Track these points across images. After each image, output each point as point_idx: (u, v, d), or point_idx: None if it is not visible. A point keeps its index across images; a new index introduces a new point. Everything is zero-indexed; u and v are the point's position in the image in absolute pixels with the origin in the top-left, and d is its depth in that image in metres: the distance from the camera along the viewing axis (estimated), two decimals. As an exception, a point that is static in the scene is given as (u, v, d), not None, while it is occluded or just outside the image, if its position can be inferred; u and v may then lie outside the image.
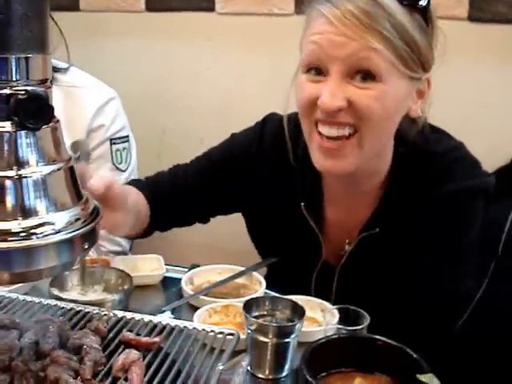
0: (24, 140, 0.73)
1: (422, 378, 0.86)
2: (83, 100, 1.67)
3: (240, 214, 1.51)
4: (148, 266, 1.36)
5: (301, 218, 1.32)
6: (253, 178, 1.39)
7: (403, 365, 0.90)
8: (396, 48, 1.09)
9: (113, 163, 1.69)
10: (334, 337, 0.98)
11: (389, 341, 0.94)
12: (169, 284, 1.34)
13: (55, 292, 1.13)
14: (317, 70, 1.14)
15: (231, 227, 1.84)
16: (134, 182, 1.45)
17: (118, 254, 1.65)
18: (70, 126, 1.44)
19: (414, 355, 0.90)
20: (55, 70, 1.64)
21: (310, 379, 0.84)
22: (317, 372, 0.88)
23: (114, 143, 1.68)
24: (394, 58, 1.09)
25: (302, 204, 1.30)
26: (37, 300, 1.08)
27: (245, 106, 1.98)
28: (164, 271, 1.34)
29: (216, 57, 2.15)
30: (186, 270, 1.36)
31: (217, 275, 1.32)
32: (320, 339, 0.94)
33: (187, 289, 1.25)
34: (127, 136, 1.74)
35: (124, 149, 1.70)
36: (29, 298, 1.09)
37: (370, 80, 1.10)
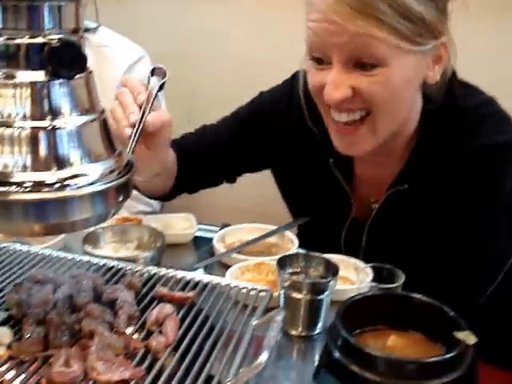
0: (58, 90, 0.72)
1: (459, 335, 0.84)
2: (113, 59, 1.66)
3: (269, 177, 1.50)
4: (180, 225, 1.36)
5: (330, 175, 1.31)
6: (282, 134, 1.38)
7: (439, 322, 0.89)
8: (396, 29, 1.03)
9: None
10: (368, 294, 0.97)
11: (425, 298, 0.92)
12: (200, 243, 1.34)
13: (88, 249, 1.13)
14: (318, 59, 1.11)
15: (260, 190, 1.83)
16: None
17: (148, 214, 1.65)
18: (100, 85, 1.43)
19: (451, 313, 0.89)
20: (84, 29, 1.63)
21: (345, 335, 0.84)
22: (351, 329, 0.88)
23: (145, 103, 1.68)
24: (395, 39, 1.04)
25: (331, 160, 1.29)
26: (70, 256, 1.09)
27: (276, 66, 1.94)
28: (196, 230, 1.34)
29: (246, 17, 2.12)
30: (217, 229, 1.36)
31: (248, 234, 1.32)
32: (355, 296, 0.93)
33: (219, 247, 1.25)
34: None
35: (155, 109, 1.69)
36: (62, 255, 1.09)
37: (374, 66, 1.06)
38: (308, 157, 1.35)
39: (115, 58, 1.66)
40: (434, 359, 0.82)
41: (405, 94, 1.13)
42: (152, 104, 1.04)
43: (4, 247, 1.11)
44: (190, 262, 1.23)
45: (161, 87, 1.03)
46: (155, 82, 1.04)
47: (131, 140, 0.95)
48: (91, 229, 1.18)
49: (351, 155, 1.25)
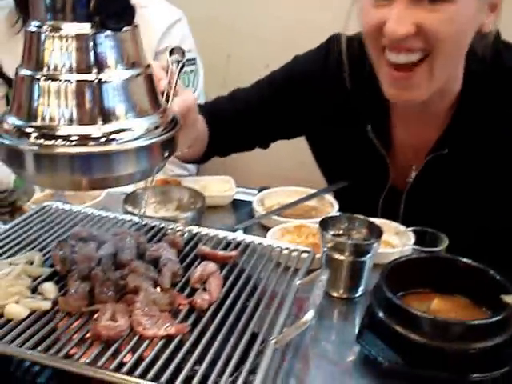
0: (104, 42, 0.71)
1: (507, 298, 0.83)
2: (150, 21, 1.64)
3: (304, 144, 1.48)
4: (218, 187, 1.36)
5: (367, 141, 1.28)
6: (316, 99, 1.35)
7: (485, 286, 0.87)
8: None
9: None
10: (413, 256, 0.95)
11: (470, 261, 0.91)
12: (239, 205, 1.34)
13: (129, 208, 1.13)
14: None
15: (296, 156, 1.81)
16: None
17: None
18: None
19: (497, 276, 0.87)
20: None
21: (389, 296, 0.83)
22: (395, 290, 0.86)
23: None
24: None
25: (369, 126, 1.26)
26: (112, 215, 1.09)
27: (311, 31, 1.92)
28: (235, 192, 1.33)
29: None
30: (256, 192, 1.35)
31: (287, 197, 1.31)
32: (400, 258, 0.92)
33: (259, 209, 1.24)
34: (194, 58, 1.71)
35: (191, 71, 1.68)
36: (104, 214, 1.09)
37: (440, 1, 1.02)
38: (344, 123, 1.32)
39: (153, 19, 1.64)
40: (480, 322, 0.81)
41: (465, 36, 1.09)
42: (175, 87, 0.97)
43: (46, 206, 1.11)
44: (229, 223, 1.22)
45: (182, 67, 1.00)
46: (175, 63, 1.00)
47: None
48: (131, 189, 1.19)
49: (405, 103, 1.20)
